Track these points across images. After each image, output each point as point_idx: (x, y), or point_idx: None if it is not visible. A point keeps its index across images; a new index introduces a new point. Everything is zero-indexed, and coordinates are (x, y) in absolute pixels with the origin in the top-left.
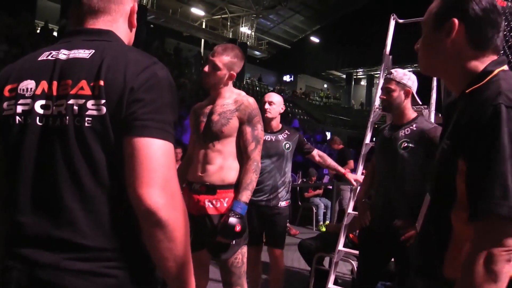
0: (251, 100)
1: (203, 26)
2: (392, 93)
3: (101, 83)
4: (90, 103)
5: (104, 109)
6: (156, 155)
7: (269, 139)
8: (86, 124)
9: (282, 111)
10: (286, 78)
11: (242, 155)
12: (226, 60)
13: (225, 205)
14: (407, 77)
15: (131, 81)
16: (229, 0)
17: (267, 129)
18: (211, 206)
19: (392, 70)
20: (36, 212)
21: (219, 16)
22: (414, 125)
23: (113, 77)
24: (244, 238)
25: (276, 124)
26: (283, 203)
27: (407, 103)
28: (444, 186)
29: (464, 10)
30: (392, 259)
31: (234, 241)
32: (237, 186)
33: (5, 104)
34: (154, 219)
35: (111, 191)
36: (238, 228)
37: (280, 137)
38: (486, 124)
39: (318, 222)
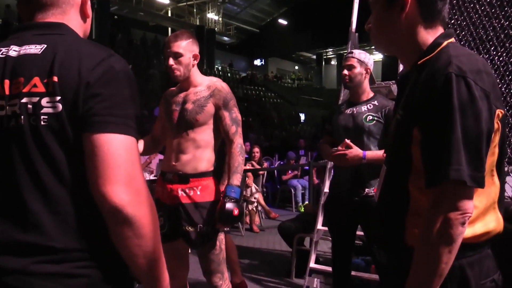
0: (223, 84)
1: (169, 15)
2: (353, 70)
3: (55, 79)
4: (44, 101)
5: (60, 106)
6: (118, 151)
7: None
8: (42, 123)
9: None
10: (257, 62)
11: (225, 140)
12: (183, 44)
13: (198, 193)
14: (366, 56)
15: (86, 75)
16: None
17: None
18: (184, 194)
19: (353, 50)
20: None
21: (185, 3)
22: (375, 101)
23: (67, 72)
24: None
25: None
26: None
27: (367, 81)
28: (400, 156)
29: None
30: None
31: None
32: (211, 175)
33: None
34: (121, 216)
35: (75, 190)
36: (236, 212)
37: None
38: (438, 93)
39: (297, 204)
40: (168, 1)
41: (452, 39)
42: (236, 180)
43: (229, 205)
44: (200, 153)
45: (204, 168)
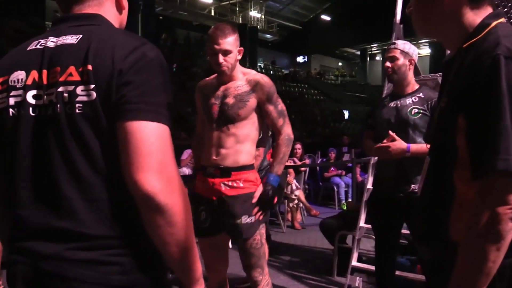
0: (266, 78)
1: (212, 14)
2: (396, 61)
3: (89, 67)
4: (79, 89)
5: (94, 94)
6: (151, 139)
7: None
8: (77, 111)
9: None
10: (300, 59)
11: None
12: (231, 40)
13: (241, 185)
14: (410, 47)
15: (119, 63)
16: None
17: None
18: (227, 188)
19: (395, 41)
20: (36, 204)
21: (227, 2)
22: (421, 94)
23: (101, 61)
24: (263, 219)
25: None
26: None
27: (411, 72)
28: (444, 146)
29: None
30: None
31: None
32: (252, 168)
33: None
34: (153, 204)
35: (109, 178)
36: (274, 199)
37: None
38: (484, 77)
39: (340, 201)
40: (211, 0)
41: (502, 19)
42: (279, 170)
43: (268, 191)
44: (239, 147)
45: (244, 161)
